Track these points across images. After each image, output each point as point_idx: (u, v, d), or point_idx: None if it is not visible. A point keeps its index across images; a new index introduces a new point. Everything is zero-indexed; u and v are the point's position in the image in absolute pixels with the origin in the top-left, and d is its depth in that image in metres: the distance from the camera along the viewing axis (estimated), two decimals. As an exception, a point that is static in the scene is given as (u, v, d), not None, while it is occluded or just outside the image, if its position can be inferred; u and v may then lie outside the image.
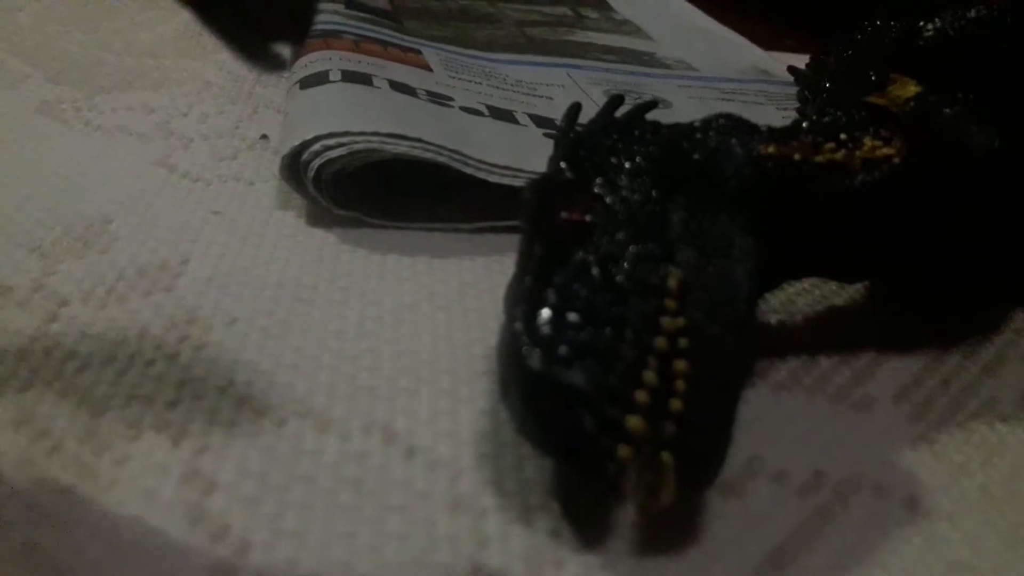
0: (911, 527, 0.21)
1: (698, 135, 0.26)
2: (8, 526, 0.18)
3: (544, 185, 0.23)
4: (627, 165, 0.24)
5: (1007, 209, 0.28)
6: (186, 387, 0.22)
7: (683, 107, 0.46)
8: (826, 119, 0.27)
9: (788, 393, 0.25)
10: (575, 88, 0.47)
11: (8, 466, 0.19)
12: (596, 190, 0.23)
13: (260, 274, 0.28)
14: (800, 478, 0.22)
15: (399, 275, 0.29)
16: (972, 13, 0.29)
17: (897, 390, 0.26)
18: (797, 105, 0.43)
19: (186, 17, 0.53)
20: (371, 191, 0.32)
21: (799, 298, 0.30)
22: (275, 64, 0.17)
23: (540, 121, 0.40)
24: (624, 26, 0.61)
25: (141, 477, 0.19)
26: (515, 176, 0.33)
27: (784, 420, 0.24)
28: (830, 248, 0.27)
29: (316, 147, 0.31)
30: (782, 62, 0.57)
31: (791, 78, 0.50)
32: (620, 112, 0.30)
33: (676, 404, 0.19)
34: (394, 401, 0.23)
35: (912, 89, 0.28)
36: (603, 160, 0.25)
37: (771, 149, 0.26)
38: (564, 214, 0.23)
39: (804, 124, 0.27)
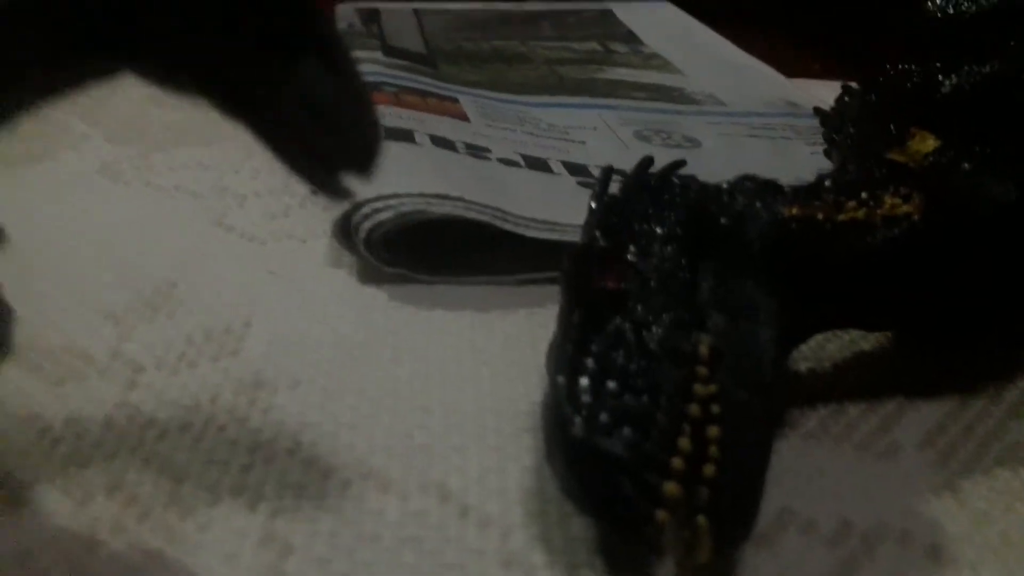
0: (935, 576, 0.22)
1: (725, 198, 0.27)
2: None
3: (581, 255, 0.25)
4: (658, 230, 0.26)
5: (1026, 257, 0.29)
6: (258, 451, 0.24)
7: (713, 146, 0.48)
8: (847, 177, 0.29)
9: (817, 442, 0.27)
10: (607, 130, 0.48)
11: (104, 531, 0.21)
12: (629, 257, 0.25)
13: (317, 334, 0.30)
14: (828, 528, 0.23)
15: (445, 330, 0.31)
16: (987, 68, 0.30)
17: (922, 436, 0.27)
18: (823, 143, 0.45)
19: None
20: (418, 246, 0.34)
21: (828, 344, 0.32)
22: (344, 194, 0.18)
23: (573, 169, 0.41)
24: (653, 60, 0.63)
25: (223, 541, 0.21)
26: (551, 229, 0.35)
27: (813, 470, 0.26)
28: (854, 301, 0.28)
29: (366, 209, 0.33)
30: (808, 89, 0.58)
31: (818, 108, 0.51)
32: (651, 169, 0.31)
33: (709, 470, 0.20)
34: (447, 459, 0.25)
35: (931, 144, 0.30)
36: (636, 226, 0.26)
37: (795, 211, 0.27)
38: (600, 282, 0.24)
39: (826, 183, 0.29)
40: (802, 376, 0.30)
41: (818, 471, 0.26)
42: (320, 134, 0.18)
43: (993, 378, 0.31)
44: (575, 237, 0.31)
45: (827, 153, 0.42)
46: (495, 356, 0.30)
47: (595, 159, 0.43)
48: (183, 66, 0.19)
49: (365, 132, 0.18)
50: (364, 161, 0.18)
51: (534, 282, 0.34)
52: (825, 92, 0.52)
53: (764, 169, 0.44)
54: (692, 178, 0.28)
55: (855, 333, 0.32)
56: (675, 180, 0.28)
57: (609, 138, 0.47)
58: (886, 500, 0.25)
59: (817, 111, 0.45)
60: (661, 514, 0.20)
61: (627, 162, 0.43)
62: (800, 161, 0.46)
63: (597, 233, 0.26)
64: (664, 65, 0.61)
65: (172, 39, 0.18)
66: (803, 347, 0.31)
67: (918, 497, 0.25)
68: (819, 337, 0.32)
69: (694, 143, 0.48)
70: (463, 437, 0.25)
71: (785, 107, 0.54)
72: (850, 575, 0.22)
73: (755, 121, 0.52)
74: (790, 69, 0.72)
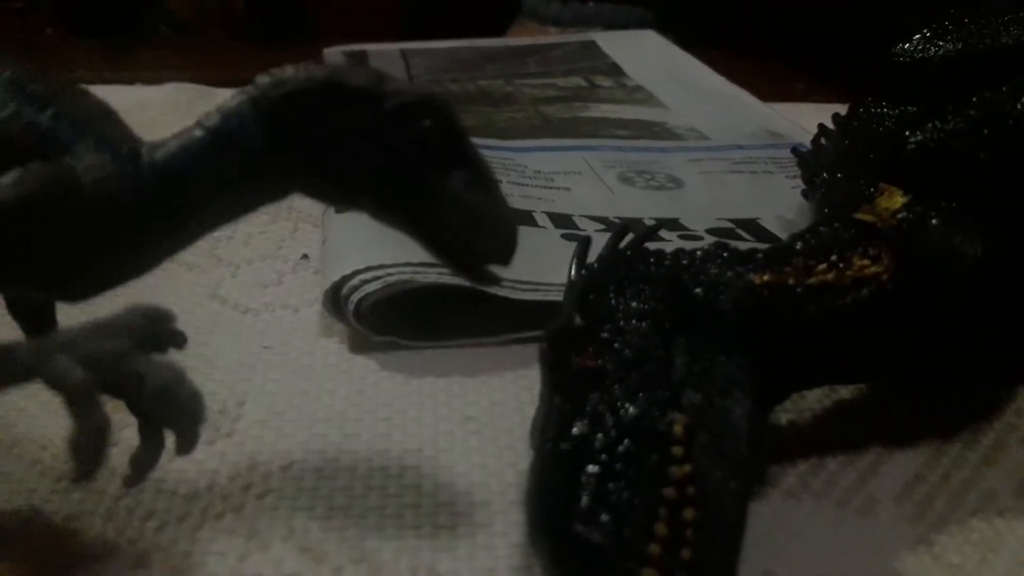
0: (910, 637, 0.23)
1: (697, 266, 0.28)
2: None
3: (559, 336, 0.26)
4: (634, 304, 0.27)
5: (998, 308, 0.30)
6: (253, 540, 0.25)
7: (694, 184, 0.49)
8: (818, 238, 0.29)
9: (797, 501, 0.28)
10: (591, 174, 0.49)
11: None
12: (605, 335, 0.26)
13: (310, 410, 0.31)
14: (808, 592, 0.24)
15: (435, 399, 0.32)
16: (950, 125, 0.31)
17: (899, 489, 0.28)
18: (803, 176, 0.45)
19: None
20: (405, 311, 0.35)
21: (809, 393, 0.32)
22: (493, 280, 0.23)
23: (558, 220, 0.42)
24: (636, 93, 0.64)
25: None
26: (535, 290, 0.36)
27: (793, 531, 0.26)
28: (829, 361, 0.29)
29: (354, 282, 0.34)
30: (791, 115, 0.59)
31: (798, 138, 0.52)
32: (625, 241, 0.32)
33: (686, 553, 0.21)
34: (436, 540, 0.25)
35: (899, 200, 0.31)
36: (612, 300, 0.27)
37: (765, 277, 0.28)
38: (578, 361, 0.25)
39: (797, 245, 0.29)
40: (783, 429, 0.31)
41: (798, 531, 0.26)
42: (472, 233, 0.22)
43: (969, 420, 0.31)
44: (558, 297, 0.32)
45: (804, 194, 0.43)
46: (483, 424, 0.30)
47: (580, 207, 0.44)
48: (352, 182, 0.23)
49: (506, 231, 0.23)
50: (506, 254, 0.23)
51: (519, 342, 0.35)
52: (807, 117, 0.53)
53: (745, 205, 0.46)
54: (661, 251, 0.29)
55: (834, 381, 0.33)
56: (649, 251, 0.29)
57: (594, 183, 0.48)
58: (864, 559, 0.25)
59: (795, 153, 0.46)
60: (641, 599, 0.20)
61: (611, 207, 0.45)
62: (781, 195, 0.47)
63: (574, 313, 0.27)
64: (647, 99, 0.62)
65: (343, 161, 0.22)
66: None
67: (895, 555, 0.26)
68: (799, 387, 0.33)
69: (676, 183, 0.49)
70: (452, 516, 0.26)
71: (767, 138, 0.55)
72: (827, 642, 0.23)
73: (737, 155, 0.52)
74: (775, 88, 0.73)
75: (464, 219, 0.23)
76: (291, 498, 0.27)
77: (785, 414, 0.31)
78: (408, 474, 0.28)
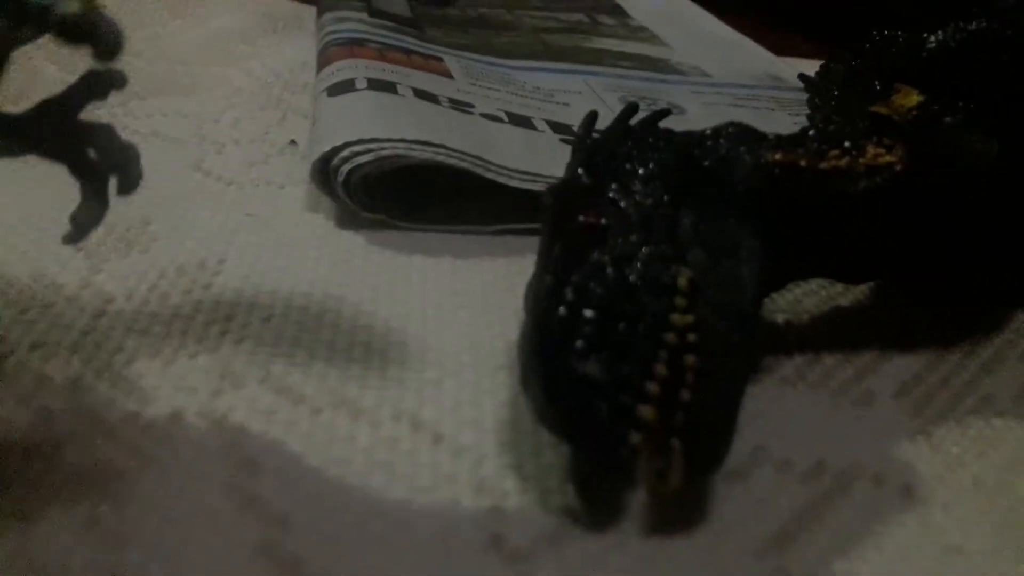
0: (907, 513, 0.22)
1: (708, 143, 0.27)
2: (75, 500, 0.19)
3: (563, 190, 0.25)
4: (641, 171, 0.26)
5: (1007, 215, 0.29)
6: (227, 378, 0.24)
7: (697, 113, 0.47)
8: (832, 127, 0.28)
9: (792, 388, 0.27)
10: (591, 94, 0.48)
11: (72, 451, 0.21)
12: (611, 195, 0.25)
13: (294, 273, 0.29)
14: (802, 467, 0.23)
15: (424, 276, 0.30)
16: (972, 26, 0.30)
17: (898, 387, 0.27)
18: (808, 111, 0.45)
19: (214, 26, 0.55)
20: (397, 194, 0.34)
21: (806, 298, 0.31)
22: None
23: (557, 127, 0.41)
24: (639, 32, 0.63)
25: (188, 460, 0.21)
26: (534, 181, 0.34)
27: (788, 413, 0.26)
28: (835, 251, 0.28)
29: (345, 153, 0.32)
30: (794, 67, 0.58)
31: (802, 84, 0.51)
32: (636, 119, 0.31)
33: (685, 395, 0.20)
34: (421, 391, 0.24)
35: (915, 99, 0.30)
36: (618, 166, 0.26)
37: (778, 156, 0.27)
38: (581, 218, 0.24)
39: (810, 132, 0.28)
40: (779, 327, 0.30)
41: (793, 414, 0.26)
42: None
43: (969, 334, 0.31)
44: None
45: (810, 119, 0.42)
46: (473, 300, 0.29)
47: (580, 119, 0.43)
48: None
49: None
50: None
51: (513, 233, 0.34)
52: (812, 69, 0.52)
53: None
54: (671, 130, 0.28)
55: (833, 290, 0.32)
56: (658, 128, 0.28)
57: (594, 102, 0.47)
58: (860, 443, 0.25)
59: (802, 77, 0.45)
60: (636, 436, 0.19)
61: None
62: (783, 130, 0.46)
63: (580, 170, 0.25)
64: (650, 38, 0.61)
65: None
66: (780, 300, 0.31)
67: (892, 442, 0.25)
68: (797, 291, 0.32)
69: (679, 110, 0.47)
70: (438, 371, 0.25)
71: (770, 80, 0.54)
72: (824, 510, 0.22)
73: (740, 92, 0.52)
74: (776, 50, 0.72)
75: None
76: (270, 345, 0.25)
77: (782, 314, 0.31)
78: (395, 334, 0.27)
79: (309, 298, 0.28)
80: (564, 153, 0.30)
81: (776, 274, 0.28)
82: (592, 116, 0.30)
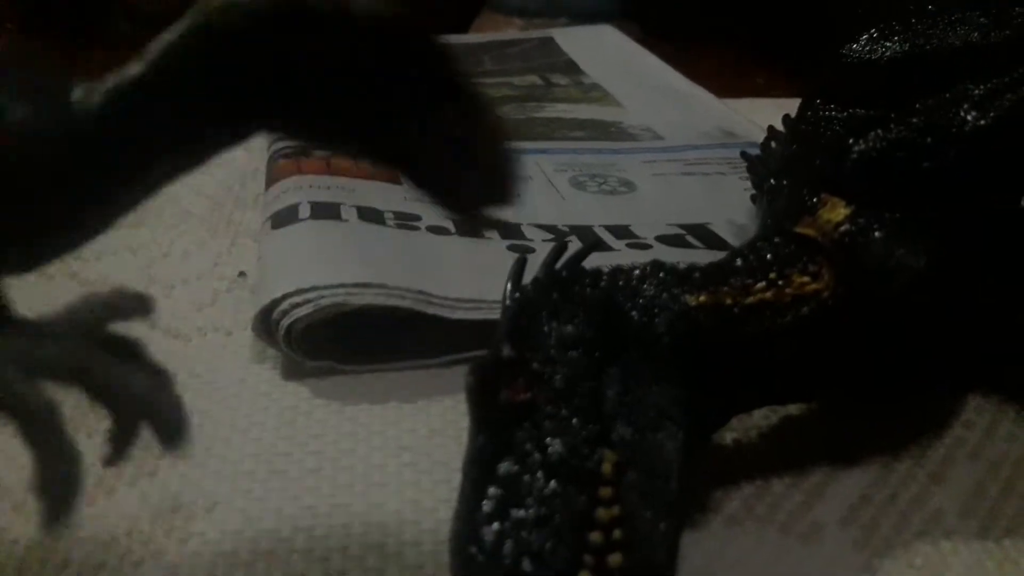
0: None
1: (633, 284, 0.27)
2: None
3: (487, 369, 0.25)
4: (567, 331, 0.26)
5: (941, 319, 0.29)
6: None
7: (647, 188, 0.48)
8: (755, 256, 0.28)
9: (740, 528, 0.27)
10: (542, 178, 0.48)
11: None
12: (535, 366, 0.25)
13: (238, 445, 0.29)
14: (747, 628, 0.23)
15: (370, 428, 0.31)
16: (893, 134, 0.30)
17: (845, 512, 0.27)
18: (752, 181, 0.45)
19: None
20: (344, 333, 0.34)
21: (755, 411, 0.31)
22: (487, 223, 0.21)
23: (506, 231, 0.41)
24: (593, 92, 0.63)
25: None
26: (478, 308, 0.34)
27: (736, 560, 0.26)
28: (770, 381, 0.28)
29: (284, 305, 0.33)
30: (747, 111, 0.58)
31: (752, 137, 0.51)
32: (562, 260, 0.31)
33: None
34: (363, 581, 0.24)
35: (841, 212, 0.30)
36: (544, 326, 0.26)
37: (702, 298, 0.27)
38: (507, 394, 0.24)
39: (737, 261, 0.29)
40: (727, 449, 0.30)
41: (738, 563, 0.26)
42: (464, 170, 0.20)
43: (918, 435, 0.31)
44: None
45: (753, 199, 0.42)
46: (419, 455, 0.29)
47: (529, 215, 0.43)
48: (330, 121, 0.19)
49: (503, 166, 0.20)
50: (503, 192, 0.20)
51: (461, 362, 0.34)
52: (765, 113, 0.52)
53: (697, 209, 0.45)
54: (598, 271, 0.28)
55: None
56: (586, 271, 0.28)
57: (545, 188, 0.47)
58: (807, 588, 0.25)
59: (744, 157, 0.45)
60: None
61: (562, 215, 0.44)
62: (732, 198, 0.46)
63: (503, 344, 0.25)
64: (603, 97, 0.61)
65: (318, 97, 0.19)
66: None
67: (838, 583, 0.25)
68: (746, 405, 0.32)
69: (629, 187, 0.48)
70: (381, 559, 0.25)
71: (722, 137, 0.54)
72: None
73: (691, 155, 0.52)
74: (735, 82, 0.72)
75: (454, 156, 0.19)
76: (215, 542, 0.26)
77: (730, 432, 0.31)
78: (337, 513, 0.27)
79: (252, 477, 0.28)
80: (510, 262, 0.29)
81: (715, 414, 0.28)
82: (520, 265, 0.30)
